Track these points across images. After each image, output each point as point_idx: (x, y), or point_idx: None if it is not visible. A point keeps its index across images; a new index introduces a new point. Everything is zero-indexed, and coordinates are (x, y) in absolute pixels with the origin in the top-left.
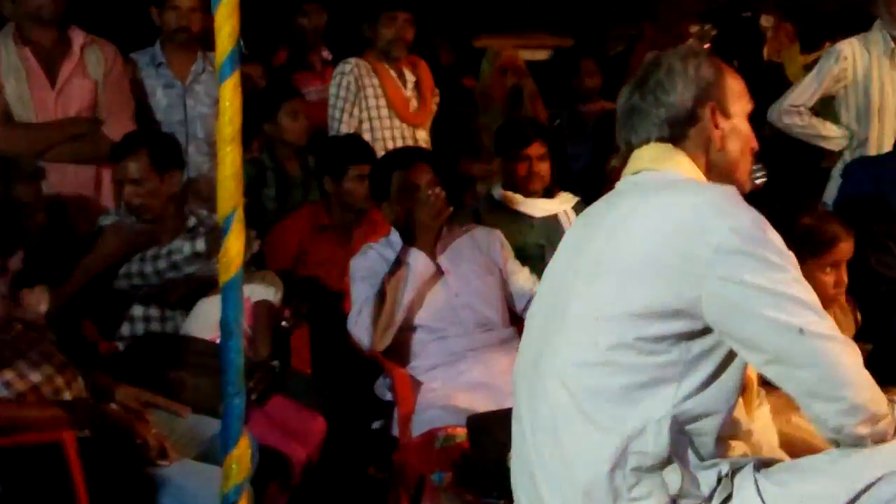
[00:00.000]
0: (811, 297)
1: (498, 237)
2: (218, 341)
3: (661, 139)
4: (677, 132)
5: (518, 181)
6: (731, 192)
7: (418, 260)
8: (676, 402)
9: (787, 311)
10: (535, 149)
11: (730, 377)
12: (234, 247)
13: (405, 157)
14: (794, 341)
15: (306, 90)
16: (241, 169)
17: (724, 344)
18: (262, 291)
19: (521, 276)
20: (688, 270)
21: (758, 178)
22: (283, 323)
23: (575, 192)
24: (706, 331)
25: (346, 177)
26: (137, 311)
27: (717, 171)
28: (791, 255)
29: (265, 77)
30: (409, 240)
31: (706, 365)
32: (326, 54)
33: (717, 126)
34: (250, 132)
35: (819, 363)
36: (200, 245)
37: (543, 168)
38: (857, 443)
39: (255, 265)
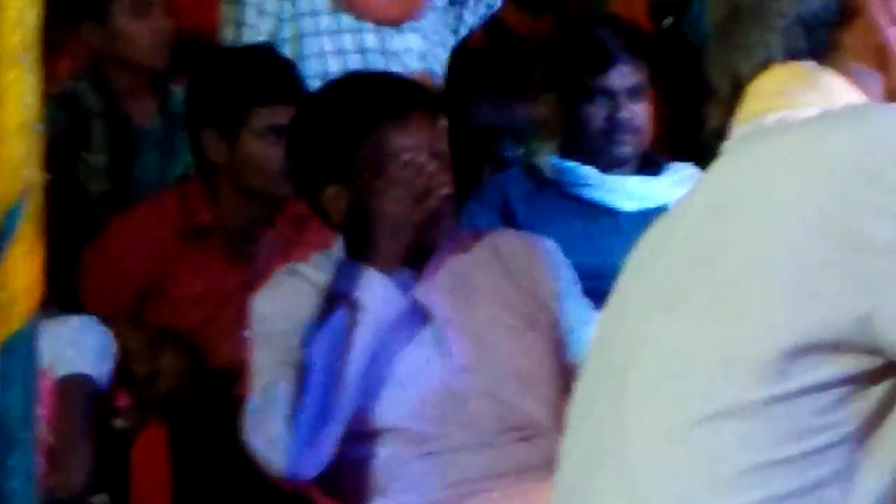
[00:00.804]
0: None
1: (548, 254)
2: None
3: (794, 55)
4: (821, 40)
5: (590, 140)
6: None
7: (375, 290)
8: None
9: None
10: (624, 76)
11: None
12: (24, 272)
13: (391, 94)
14: None
15: None
16: (41, 116)
17: None
18: (74, 357)
19: (593, 330)
20: (849, 267)
21: None
22: (118, 420)
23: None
24: (887, 371)
25: (246, 131)
26: None
27: None
28: None
29: None
30: (357, 251)
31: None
32: None
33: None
34: (56, 43)
35: None
36: None
37: (640, 114)
38: None
39: (60, 304)
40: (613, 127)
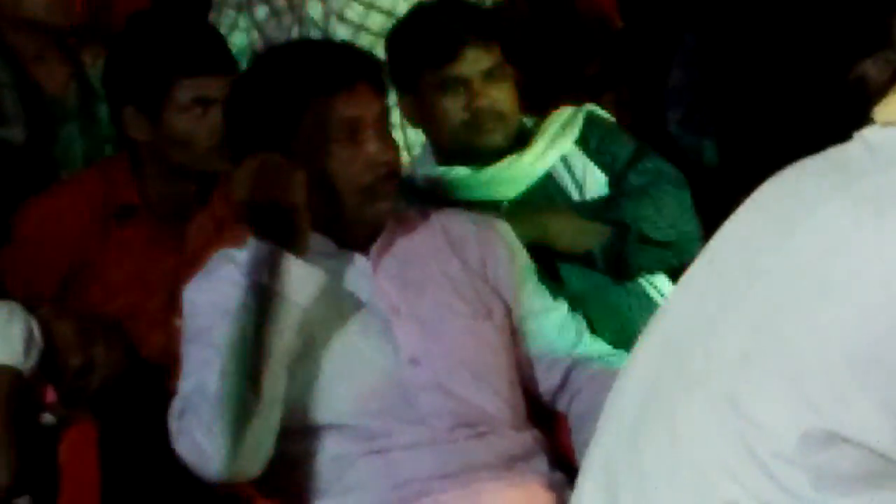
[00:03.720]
0: None
1: (502, 237)
2: None
3: None
4: None
5: (455, 135)
6: None
7: (291, 275)
8: None
9: None
10: (475, 61)
11: None
12: None
13: (336, 62)
14: None
15: None
16: None
17: None
18: None
19: (551, 321)
20: None
21: None
22: (45, 416)
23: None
24: None
25: (169, 105)
26: None
27: None
28: None
29: None
30: (268, 231)
31: None
32: None
33: None
34: None
35: None
36: None
37: (500, 98)
38: None
39: None
40: (475, 116)
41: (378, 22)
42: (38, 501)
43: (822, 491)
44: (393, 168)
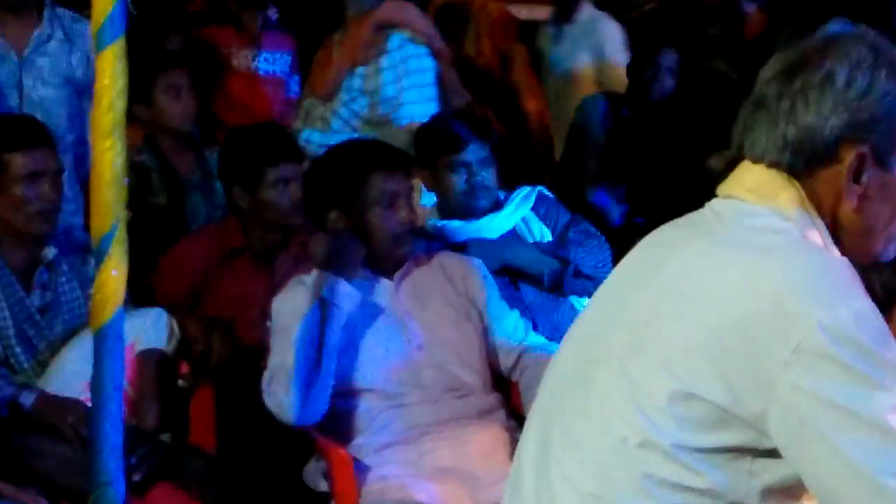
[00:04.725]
0: None
1: (478, 269)
2: (88, 403)
3: (776, 165)
4: (799, 166)
5: (457, 200)
6: (837, 265)
7: (340, 292)
8: None
9: (865, 450)
10: (475, 152)
11: None
12: (113, 279)
13: (386, 155)
14: (863, 497)
15: (235, 52)
16: (125, 171)
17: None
18: (150, 337)
19: (508, 323)
20: (755, 370)
21: None
22: (180, 382)
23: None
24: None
25: (262, 184)
26: None
27: (846, 234)
28: None
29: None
30: (328, 264)
31: None
32: (271, 12)
33: (858, 179)
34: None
35: None
36: (27, 399)
37: (489, 177)
38: None
39: (137, 301)
40: (472, 189)
41: (351, 134)
42: (175, 438)
43: (683, 431)
44: (413, 225)
